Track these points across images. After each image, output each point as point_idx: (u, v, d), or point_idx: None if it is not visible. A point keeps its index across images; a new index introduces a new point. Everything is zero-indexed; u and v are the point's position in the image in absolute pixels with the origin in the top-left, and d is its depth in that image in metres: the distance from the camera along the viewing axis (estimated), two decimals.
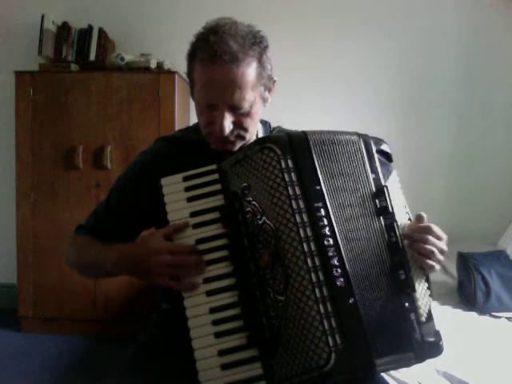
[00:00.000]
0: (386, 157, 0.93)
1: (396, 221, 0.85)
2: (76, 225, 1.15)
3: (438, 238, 0.87)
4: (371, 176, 0.87)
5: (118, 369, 1.01)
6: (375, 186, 0.86)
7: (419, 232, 0.86)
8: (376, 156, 0.89)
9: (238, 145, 0.97)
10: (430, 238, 0.86)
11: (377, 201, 0.86)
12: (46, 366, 2.09)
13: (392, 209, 0.86)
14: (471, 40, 2.61)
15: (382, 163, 0.89)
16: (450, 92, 2.63)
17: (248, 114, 0.93)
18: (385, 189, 0.86)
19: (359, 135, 0.90)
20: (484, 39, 2.61)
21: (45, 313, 2.40)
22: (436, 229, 0.88)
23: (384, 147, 0.93)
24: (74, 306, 2.36)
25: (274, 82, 1.00)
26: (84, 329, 2.40)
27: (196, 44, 0.92)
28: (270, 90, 0.99)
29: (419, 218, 0.89)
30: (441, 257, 0.87)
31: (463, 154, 2.66)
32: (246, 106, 0.91)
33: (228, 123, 0.92)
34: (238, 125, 0.94)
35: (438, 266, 0.87)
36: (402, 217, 0.89)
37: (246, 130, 0.95)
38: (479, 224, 2.60)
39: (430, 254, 0.85)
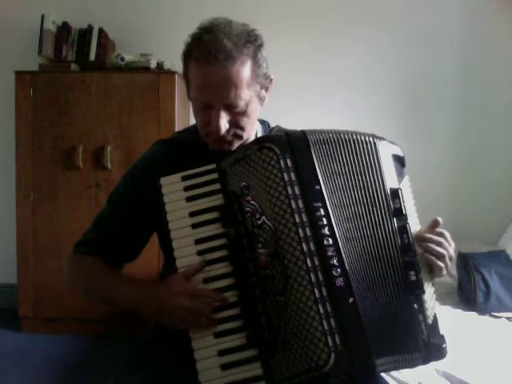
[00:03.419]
0: (400, 161, 0.94)
1: (408, 223, 0.86)
2: (73, 225, 1.14)
3: (450, 245, 0.90)
4: (386, 177, 0.87)
5: (118, 369, 1.00)
6: (389, 187, 0.87)
7: (434, 234, 0.89)
8: (391, 158, 0.90)
9: (236, 144, 0.97)
10: (444, 241, 0.88)
11: (391, 202, 0.86)
12: (46, 366, 2.09)
13: (406, 211, 0.86)
14: (472, 40, 2.60)
15: (395, 167, 0.91)
16: (451, 92, 2.63)
17: (244, 113, 0.93)
18: (399, 191, 0.87)
19: (376, 137, 0.91)
20: (485, 39, 2.60)
21: (45, 313, 2.39)
22: (448, 235, 0.91)
23: (398, 152, 0.94)
24: (74, 306, 2.35)
25: (271, 80, 0.99)
26: (84, 329, 2.40)
27: (190, 44, 0.92)
28: (266, 89, 0.99)
29: (436, 222, 0.90)
30: (449, 262, 0.89)
31: (464, 154, 2.66)
32: (241, 104, 0.91)
33: (224, 122, 0.91)
34: (235, 124, 0.93)
35: (445, 271, 0.89)
36: (414, 222, 0.90)
37: (242, 129, 0.95)
38: (479, 224, 2.59)
39: (441, 257, 0.87)
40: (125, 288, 0.94)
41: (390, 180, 0.88)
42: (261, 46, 0.94)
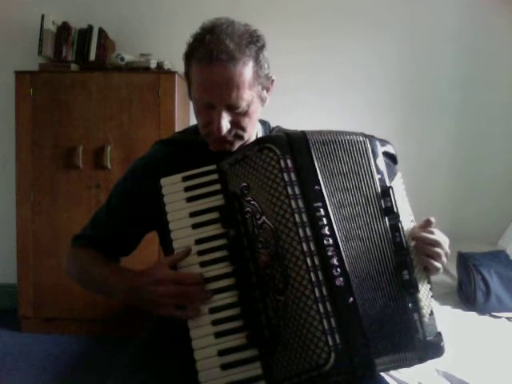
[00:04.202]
0: (391, 158, 0.94)
1: (401, 221, 0.86)
2: (73, 225, 1.14)
3: (444, 242, 0.89)
4: (376, 176, 0.87)
5: (118, 369, 1.00)
6: (380, 186, 0.87)
7: (428, 234, 0.88)
8: (382, 157, 0.90)
9: (237, 145, 0.97)
10: (440, 240, 0.88)
11: (382, 201, 0.86)
12: (46, 366, 2.09)
13: (397, 209, 0.86)
14: (471, 40, 2.61)
15: (386, 164, 0.90)
16: (450, 92, 2.63)
17: (246, 114, 0.93)
18: (390, 189, 0.87)
19: (365, 136, 0.91)
20: (484, 39, 2.61)
21: (45, 313, 2.39)
22: (440, 233, 0.90)
23: (389, 149, 0.94)
24: (74, 306, 2.36)
25: (273, 81, 0.99)
26: (84, 329, 2.40)
27: (193, 44, 0.92)
28: (268, 90, 0.99)
29: (428, 222, 0.90)
30: (445, 260, 0.89)
31: (463, 154, 2.66)
32: (243, 105, 0.91)
33: (225, 123, 0.91)
34: (236, 124, 0.93)
35: (441, 269, 0.88)
36: (406, 219, 0.90)
37: (244, 129, 0.95)
38: (479, 224, 2.60)
39: (436, 256, 0.87)
40: (114, 279, 0.95)
41: (381, 178, 0.88)
42: (263, 46, 0.93)
